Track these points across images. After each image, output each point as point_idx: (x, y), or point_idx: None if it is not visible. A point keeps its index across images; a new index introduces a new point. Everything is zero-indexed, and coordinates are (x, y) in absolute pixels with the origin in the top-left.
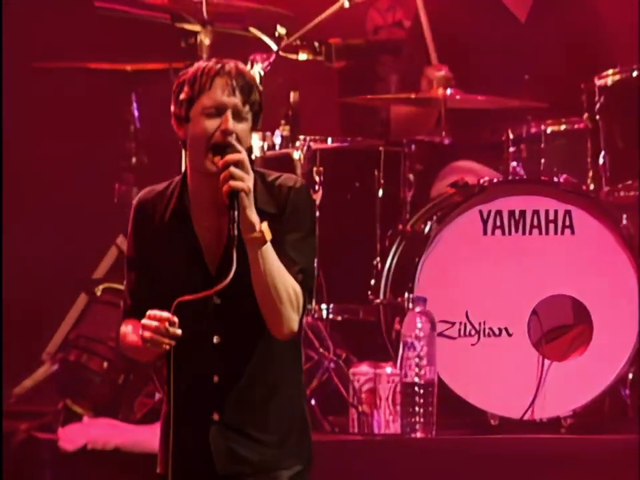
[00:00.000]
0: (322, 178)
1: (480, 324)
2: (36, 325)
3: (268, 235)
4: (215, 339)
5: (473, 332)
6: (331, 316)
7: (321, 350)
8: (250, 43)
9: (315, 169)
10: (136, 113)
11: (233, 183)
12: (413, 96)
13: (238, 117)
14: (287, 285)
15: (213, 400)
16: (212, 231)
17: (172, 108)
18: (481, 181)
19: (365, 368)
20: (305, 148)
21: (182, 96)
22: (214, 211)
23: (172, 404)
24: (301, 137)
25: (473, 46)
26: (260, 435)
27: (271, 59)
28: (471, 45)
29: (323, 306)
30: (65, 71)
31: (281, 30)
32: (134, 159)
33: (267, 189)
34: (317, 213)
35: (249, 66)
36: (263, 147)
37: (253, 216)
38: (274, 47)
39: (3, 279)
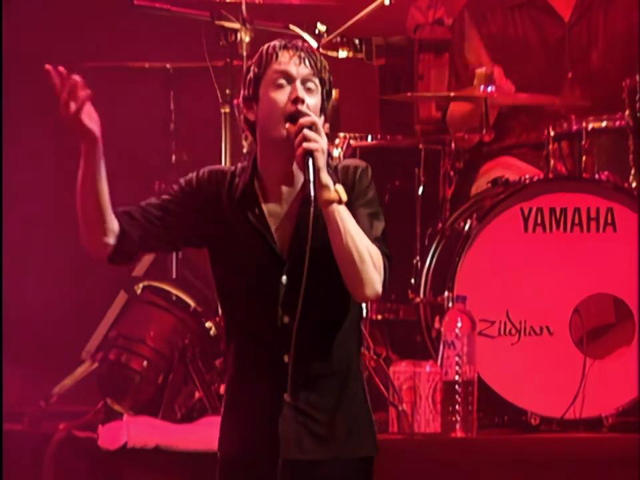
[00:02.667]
0: None
1: (520, 322)
2: (76, 323)
3: (344, 196)
4: (286, 319)
5: (513, 331)
6: (371, 315)
7: (361, 348)
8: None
9: None
10: (175, 111)
11: (306, 144)
12: (452, 94)
13: (307, 89)
14: (367, 244)
15: (283, 380)
16: (282, 215)
17: (242, 92)
18: (522, 179)
19: (404, 366)
20: (345, 145)
21: (249, 75)
22: (285, 195)
23: (240, 384)
24: (341, 134)
25: (517, 44)
26: (329, 418)
27: None
28: (514, 43)
29: (363, 305)
30: (106, 69)
31: (321, 27)
32: (174, 157)
33: (332, 171)
34: None
35: None
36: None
37: (327, 177)
38: (314, 45)
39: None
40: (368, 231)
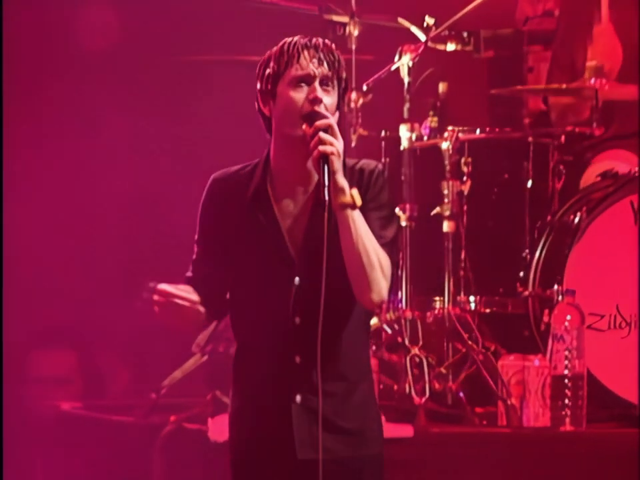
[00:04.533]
0: (470, 169)
1: (631, 316)
2: None
3: (358, 200)
4: (297, 320)
5: (623, 324)
6: (479, 308)
7: (470, 342)
8: (398, 34)
9: (463, 159)
10: None
11: (322, 147)
12: (563, 86)
13: (325, 88)
14: (377, 250)
15: (296, 382)
16: (294, 216)
17: (257, 85)
18: (632, 171)
19: (513, 360)
20: (454, 139)
21: (268, 71)
22: (298, 195)
23: (250, 386)
24: (449, 127)
25: (627, 37)
26: (341, 419)
27: (420, 50)
28: (623, 36)
29: (471, 298)
30: (216, 63)
31: (429, 20)
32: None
33: (348, 172)
34: (465, 204)
35: (397, 57)
36: (411, 137)
37: (343, 180)
38: (422, 38)
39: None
40: (378, 235)
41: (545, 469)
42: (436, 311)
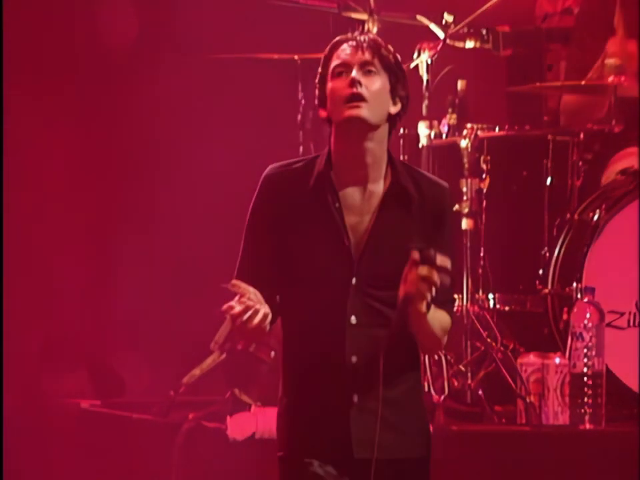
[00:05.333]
0: (489, 166)
1: None
2: (204, 314)
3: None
4: (353, 319)
5: None
6: (498, 306)
7: (488, 340)
8: (417, 31)
9: (482, 157)
10: (302, 102)
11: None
12: (582, 83)
13: (368, 71)
14: (443, 321)
15: (352, 382)
16: (358, 210)
17: (316, 92)
18: None
19: (532, 358)
20: (473, 136)
21: (320, 70)
22: (358, 192)
23: (303, 384)
24: (468, 125)
25: None
26: (396, 418)
27: (438, 47)
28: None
29: (490, 296)
30: (235, 61)
31: (448, 18)
32: (301, 148)
33: (407, 171)
34: (484, 201)
35: (416, 54)
36: (430, 135)
37: (425, 319)
38: (441, 35)
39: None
40: (446, 289)
41: (564, 468)
42: (455, 309)
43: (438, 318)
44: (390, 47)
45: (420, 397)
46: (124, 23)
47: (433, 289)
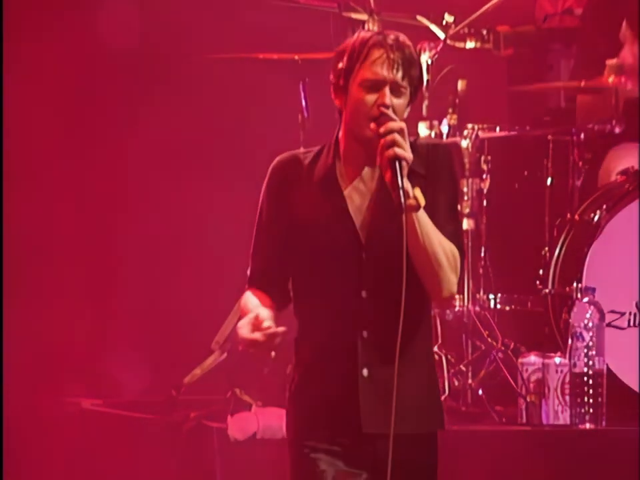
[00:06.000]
0: (490, 167)
1: None
2: (205, 314)
3: (422, 201)
4: (364, 294)
5: None
6: (498, 306)
7: (489, 340)
8: (418, 32)
9: (482, 157)
10: (304, 103)
11: (398, 150)
12: (582, 84)
13: (396, 91)
14: (445, 247)
15: (362, 355)
16: (359, 198)
17: (330, 76)
18: None
19: (533, 358)
20: (473, 136)
21: (340, 65)
22: (362, 179)
23: (315, 361)
24: (469, 125)
25: None
26: (407, 392)
27: (439, 48)
28: None
29: (491, 296)
30: (235, 61)
31: (448, 18)
32: (302, 149)
33: (414, 151)
34: (485, 201)
35: None
36: (430, 135)
37: (407, 183)
38: (441, 36)
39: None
40: (446, 224)
41: (564, 467)
42: (455, 309)
43: (436, 233)
44: (414, 53)
45: (432, 373)
46: (124, 23)
47: (409, 150)
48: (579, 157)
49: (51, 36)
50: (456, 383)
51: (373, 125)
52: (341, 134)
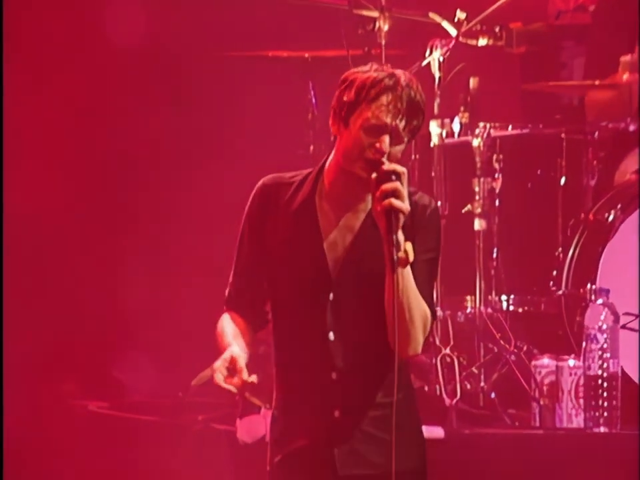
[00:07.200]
0: (502, 166)
1: None
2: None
3: (411, 256)
4: (331, 336)
5: None
6: (511, 307)
7: (502, 342)
8: (429, 29)
9: (494, 156)
10: (313, 101)
11: (395, 202)
12: (597, 82)
13: (395, 139)
14: (421, 307)
15: (333, 397)
16: (338, 229)
17: (333, 102)
18: None
19: (546, 360)
20: (485, 135)
21: (345, 98)
22: (343, 212)
23: (289, 398)
24: (481, 124)
25: None
26: (382, 434)
27: (451, 45)
28: None
29: (503, 297)
30: (245, 59)
31: (460, 15)
32: (311, 147)
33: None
34: (497, 201)
35: (427, 52)
36: (441, 134)
37: (401, 236)
38: (453, 33)
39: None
40: (424, 286)
41: (578, 472)
42: (467, 311)
43: (415, 292)
44: (422, 102)
45: (412, 408)
46: (132, 21)
47: (407, 202)
48: (593, 155)
49: (53, 33)
50: (468, 386)
51: (374, 175)
52: (329, 162)
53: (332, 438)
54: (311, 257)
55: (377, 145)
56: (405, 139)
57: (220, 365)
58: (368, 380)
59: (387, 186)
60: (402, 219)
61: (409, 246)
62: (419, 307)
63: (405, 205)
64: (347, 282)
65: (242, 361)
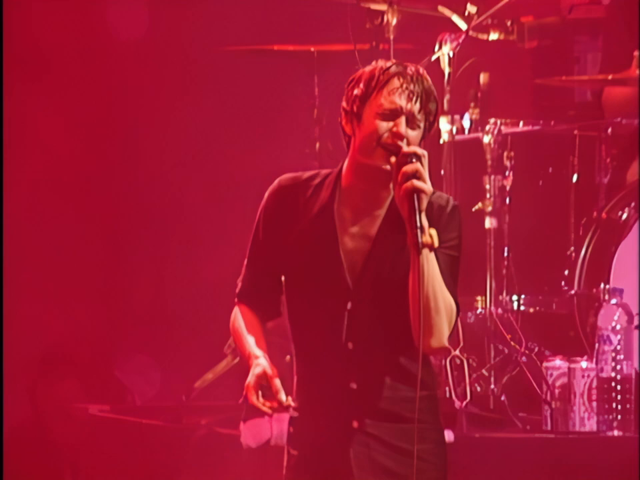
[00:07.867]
0: (513, 163)
1: None
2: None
3: (436, 241)
4: (350, 345)
5: None
6: (522, 308)
7: (512, 343)
8: (439, 23)
9: (505, 153)
10: (319, 97)
11: (417, 183)
12: (609, 77)
13: (412, 123)
14: (446, 298)
15: (352, 408)
16: (355, 236)
17: (343, 103)
18: None
19: (558, 362)
20: (496, 131)
21: (356, 92)
22: (360, 219)
23: (308, 405)
24: (492, 120)
25: None
26: (400, 443)
27: (461, 39)
28: None
29: (514, 297)
30: (251, 53)
31: (471, 8)
32: (317, 145)
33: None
34: (508, 199)
35: (437, 46)
36: (451, 130)
37: (425, 219)
38: (463, 27)
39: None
40: (447, 279)
41: (591, 476)
42: (477, 311)
43: (441, 281)
44: (433, 88)
45: (430, 416)
46: (137, 16)
47: (429, 183)
48: (606, 152)
49: (53, 28)
50: (478, 389)
51: (393, 159)
52: (345, 167)
53: (350, 447)
54: (328, 265)
55: (394, 129)
56: (422, 125)
57: (253, 382)
58: (387, 387)
59: (408, 167)
60: (425, 200)
61: (433, 231)
62: (443, 297)
63: (427, 186)
64: (365, 290)
65: (278, 381)
